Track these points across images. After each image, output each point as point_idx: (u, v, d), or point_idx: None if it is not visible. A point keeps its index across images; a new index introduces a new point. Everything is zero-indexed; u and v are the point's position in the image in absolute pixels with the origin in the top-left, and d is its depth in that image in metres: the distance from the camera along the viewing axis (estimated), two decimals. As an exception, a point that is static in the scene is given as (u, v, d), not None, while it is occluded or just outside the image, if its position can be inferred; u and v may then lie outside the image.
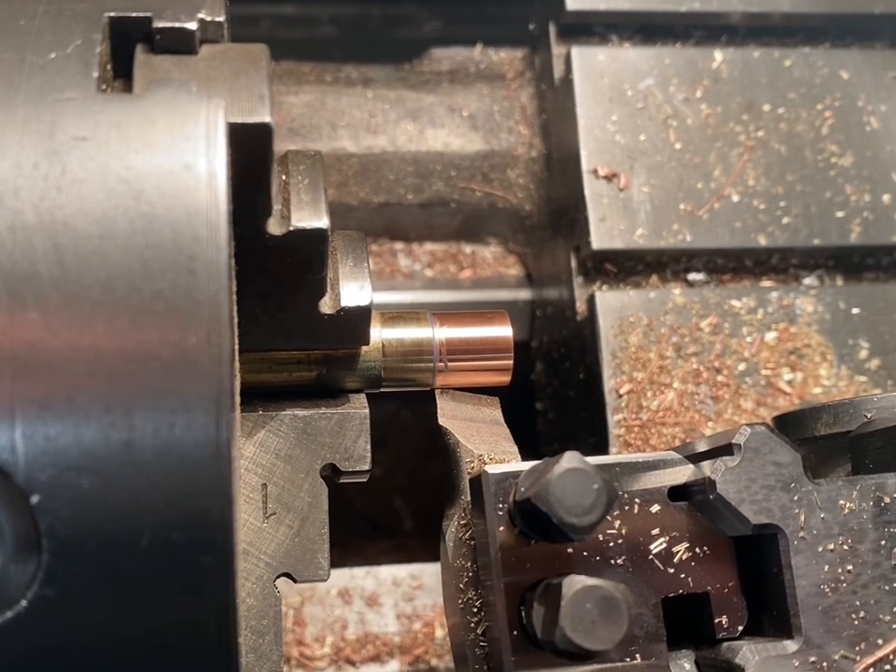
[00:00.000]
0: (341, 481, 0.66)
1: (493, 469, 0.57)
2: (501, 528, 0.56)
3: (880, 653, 0.54)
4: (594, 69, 0.88)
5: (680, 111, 0.88)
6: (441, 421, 0.66)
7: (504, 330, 0.67)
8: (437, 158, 0.98)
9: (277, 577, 0.63)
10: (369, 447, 0.65)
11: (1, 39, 0.48)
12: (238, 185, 0.48)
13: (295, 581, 0.63)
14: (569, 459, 0.52)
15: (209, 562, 0.44)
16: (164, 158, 0.44)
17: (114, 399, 0.43)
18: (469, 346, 0.66)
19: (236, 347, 0.50)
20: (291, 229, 0.55)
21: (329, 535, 0.64)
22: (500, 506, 0.56)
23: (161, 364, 0.43)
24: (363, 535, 1.15)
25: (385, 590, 0.96)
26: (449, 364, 0.66)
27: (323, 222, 0.56)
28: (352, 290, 0.61)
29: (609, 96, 0.88)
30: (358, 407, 0.66)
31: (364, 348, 0.66)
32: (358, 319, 0.62)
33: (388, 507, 1.20)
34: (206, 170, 0.44)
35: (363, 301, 0.61)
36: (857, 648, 0.55)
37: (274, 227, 0.55)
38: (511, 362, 0.67)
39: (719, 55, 0.90)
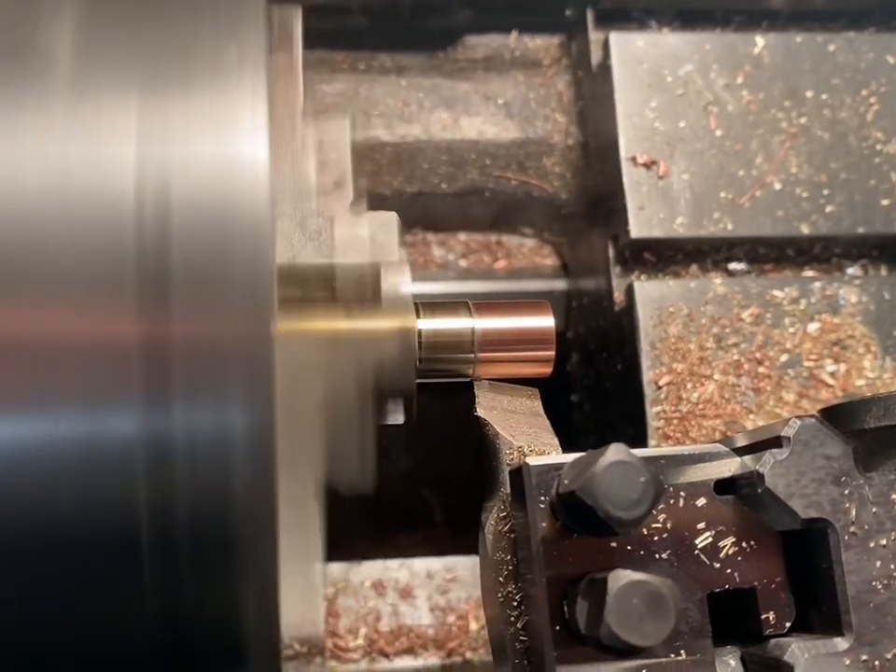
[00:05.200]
0: None
1: (534, 461, 0.56)
2: (543, 522, 0.55)
3: (934, 652, 0.53)
4: (632, 55, 0.87)
5: (721, 97, 0.86)
6: (479, 412, 0.65)
7: (546, 321, 0.65)
8: (471, 146, 0.97)
9: None
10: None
11: None
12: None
13: None
14: (615, 451, 0.50)
15: (248, 554, 0.44)
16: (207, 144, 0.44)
17: (148, 389, 0.42)
18: (510, 337, 0.65)
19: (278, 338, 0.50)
20: None
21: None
22: (542, 498, 0.55)
23: (200, 353, 0.43)
24: (395, 527, 1.15)
25: (418, 582, 0.96)
26: (489, 355, 0.64)
27: None
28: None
29: (648, 82, 0.86)
30: None
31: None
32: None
33: (420, 499, 1.19)
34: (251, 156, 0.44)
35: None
36: (910, 646, 0.53)
37: None
38: (553, 353, 0.65)
39: (760, 40, 0.88)
